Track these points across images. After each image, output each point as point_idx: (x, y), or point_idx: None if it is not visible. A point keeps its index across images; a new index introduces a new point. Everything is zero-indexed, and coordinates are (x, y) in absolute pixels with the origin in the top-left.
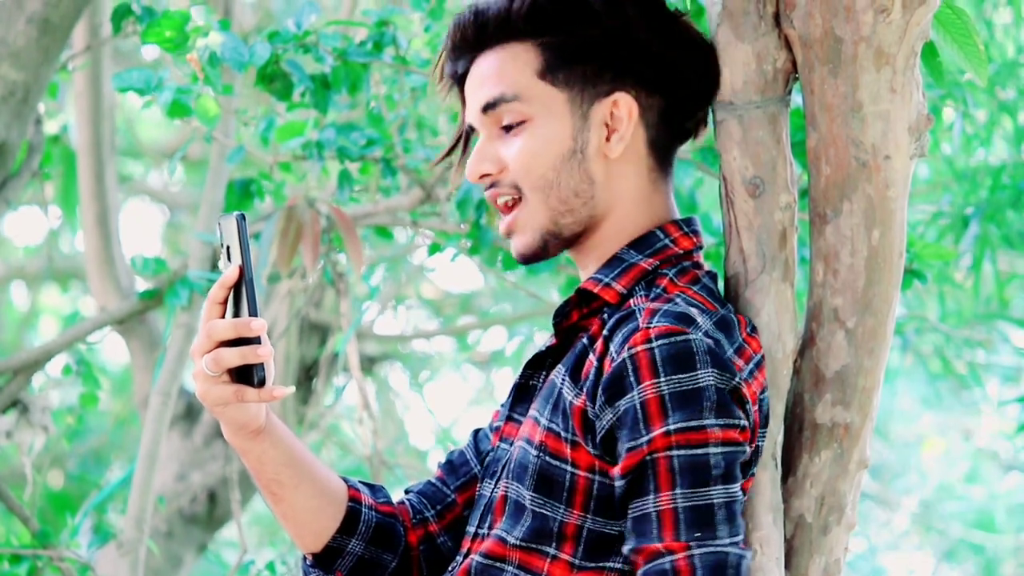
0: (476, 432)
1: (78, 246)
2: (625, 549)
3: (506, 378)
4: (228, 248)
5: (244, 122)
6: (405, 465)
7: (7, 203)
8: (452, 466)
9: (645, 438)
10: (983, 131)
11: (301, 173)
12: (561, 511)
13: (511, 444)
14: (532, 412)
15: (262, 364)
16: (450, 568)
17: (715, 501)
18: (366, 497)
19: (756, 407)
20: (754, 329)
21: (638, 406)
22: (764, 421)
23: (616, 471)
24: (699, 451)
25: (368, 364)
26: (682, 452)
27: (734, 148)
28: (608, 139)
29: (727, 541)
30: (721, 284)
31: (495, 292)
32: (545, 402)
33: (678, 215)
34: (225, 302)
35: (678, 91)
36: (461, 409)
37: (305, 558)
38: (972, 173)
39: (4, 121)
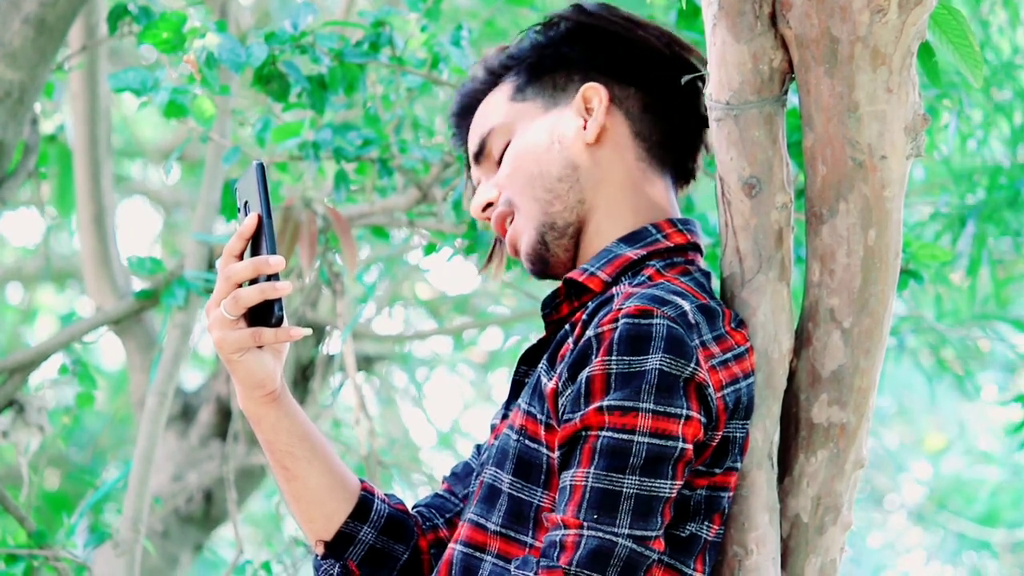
0: (479, 446)
1: (74, 246)
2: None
3: (503, 379)
4: (246, 203)
5: (241, 122)
6: (402, 466)
7: (3, 203)
8: (457, 477)
9: (581, 412)
10: (979, 131)
11: (297, 173)
12: (539, 495)
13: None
14: (519, 402)
15: (280, 301)
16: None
17: (624, 490)
18: (379, 492)
19: (721, 395)
20: (741, 324)
21: (584, 381)
22: (744, 412)
23: (556, 441)
24: (624, 436)
25: (365, 364)
26: (608, 434)
27: (731, 148)
28: (585, 127)
29: (624, 532)
30: (717, 284)
31: (492, 292)
32: (530, 390)
33: (678, 216)
34: (241, 255)
35: (651, 81)
36: (459, 410)
37: (316, 555)
38: (969, 173)
39: (0, 121)
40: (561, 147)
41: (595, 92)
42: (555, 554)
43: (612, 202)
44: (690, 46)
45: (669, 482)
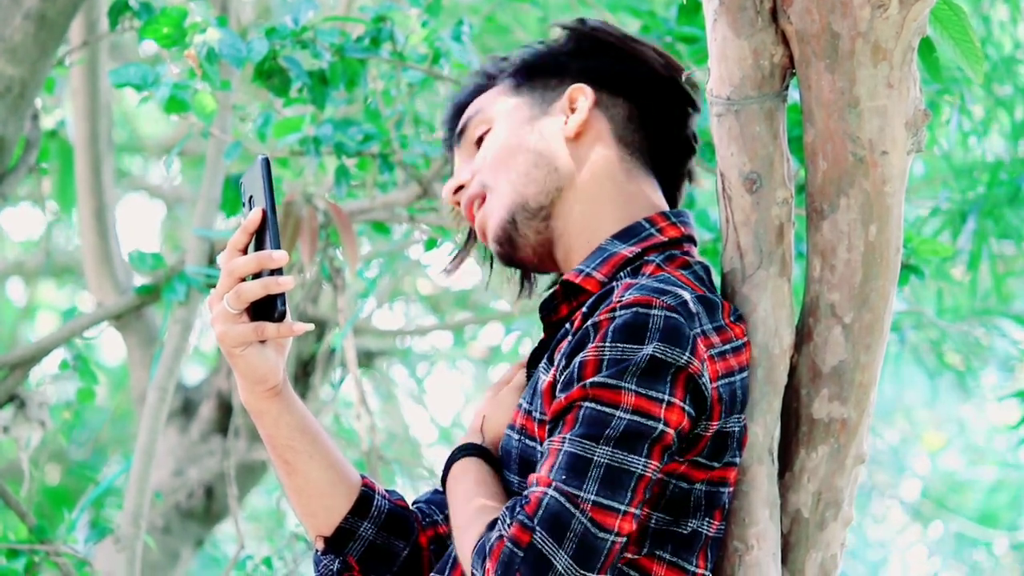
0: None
1: (75, 241)
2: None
3: None
4: (251, 198)
5: (241, 118)
6: (403, 461)
7: (4, 198)
8: None
9: (570, 391)
10: (980, 127)
11: (298, 169)
12: None
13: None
14: (520, 403)
15: (283, 296)
16: (446, 557)
17: (595, 458)
18: (379, 488)
19: (716, 386)
20: (739, 318)
21: (577, 365)
22: (739, 407)
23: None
24: (605, 409)
25: (366, 359)
26: (590, 405)
27: (731, 143)
28: (567, 123)
29: (589, 497)
30: (718, 279)
31: (493, 288)
32: (530, 391)
33: (667, 208)
34: (245, 250)
35: (640, 95)
36: (459, 405)
37: (316, 550)
38: (969, 169)
39: (1, 117)
40: (540, 137)
41: (581, 92)
42: (521, 505)
43: (595, 195)
44: (681, 67)
45: (643, 459)
